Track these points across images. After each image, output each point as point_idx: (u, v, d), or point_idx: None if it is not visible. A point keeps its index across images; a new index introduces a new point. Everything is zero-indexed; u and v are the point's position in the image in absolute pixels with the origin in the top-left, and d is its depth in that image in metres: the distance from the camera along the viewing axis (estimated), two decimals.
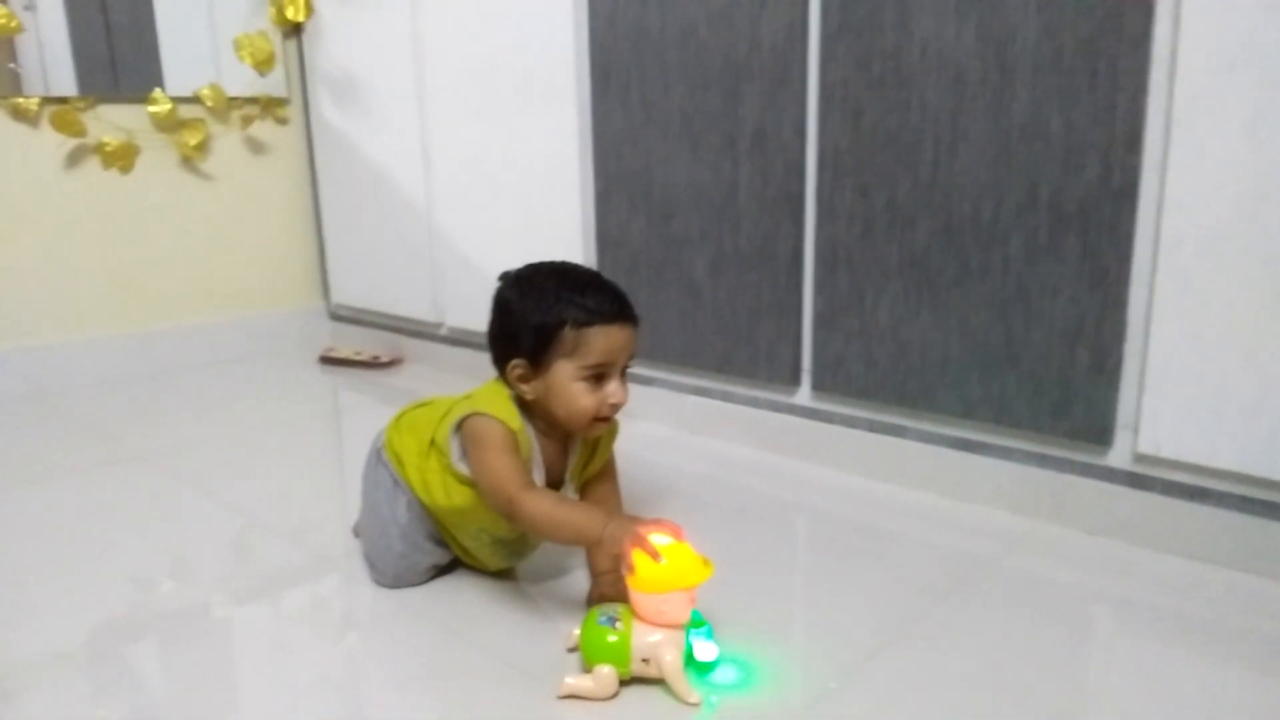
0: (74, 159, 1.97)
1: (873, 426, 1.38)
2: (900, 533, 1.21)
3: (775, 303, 1.44)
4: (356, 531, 1.16)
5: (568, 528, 0.91)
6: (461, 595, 1.03)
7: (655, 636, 0.82)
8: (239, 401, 1.94)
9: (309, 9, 2.16)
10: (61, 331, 2.00)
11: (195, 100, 2.10)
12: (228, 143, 2.19)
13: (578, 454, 1.04)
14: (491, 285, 1.02)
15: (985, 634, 0.95)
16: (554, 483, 1.02)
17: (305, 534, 1.23)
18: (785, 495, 1.35)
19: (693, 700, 0.82)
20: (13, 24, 1.82)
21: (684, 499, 1.33)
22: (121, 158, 2.02)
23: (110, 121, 2.00)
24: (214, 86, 2.11)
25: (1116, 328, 1.11)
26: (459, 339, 2.03)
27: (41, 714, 0.85)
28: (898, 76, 1.24)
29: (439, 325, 2.08)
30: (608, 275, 1.01)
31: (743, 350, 1.50)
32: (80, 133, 1.95)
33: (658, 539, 0.84)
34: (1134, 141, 1.06)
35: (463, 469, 0.96)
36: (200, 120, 2.11)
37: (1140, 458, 1.12)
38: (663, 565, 0.82)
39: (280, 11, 2.16)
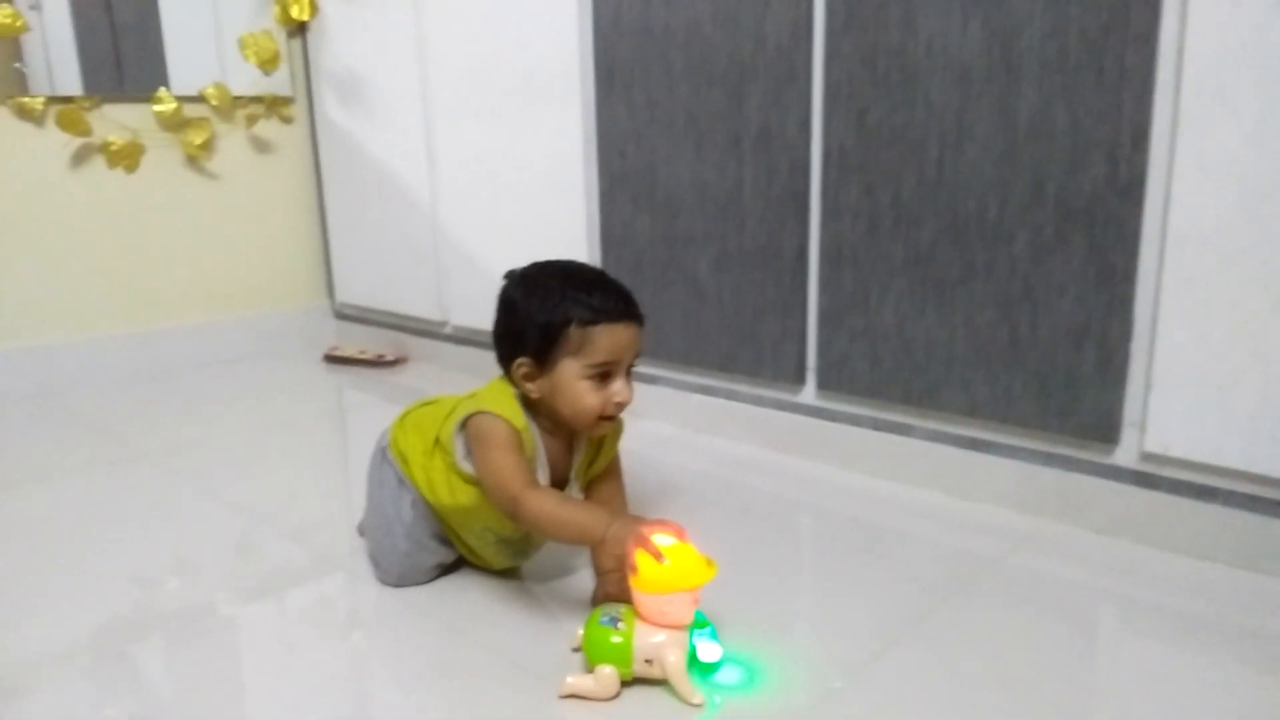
0: (79, 158, 1.98)
1: (878, 425, 1.37)
2: (905, 531, 1.20)
3: (780, 301, 1.43)
4: (361, 530, 1.16)
5: (571, 527, 0.91)
6: (466, 594, 1.03)
7: (658, 637, 0.82)
8: (244, 401, 1.94)
9: (313, 8, 2.16)
10: (66, 330, 2.00)
11: (200, 99, 2.10)
12: (232, 142, 2.19)
13: (582, 453, 1.04)
14: (496, 284, 1.02)
15: (991, 633, 0.95)
16: (559, 482, 1.02)
17: (310, 533, 1.23)
18: (790, 494, 1.35)
19: (696, 701, 0.81)
20: (18, 23, 1.82)
21: (688, 498, 1.32)
22: (127, 157, 2.02)
23: (115, 121, 2.00)
24: (219, 85, 2.12)
25: (1123, 326, 1.11)
26: (463, 338, 2.03)
27: (46, 713, 0.85)
28: (903, 74, 1.23)
29: (443, 324, 2.08)
30: (612, 274, 1.01)
31: (747, 349, 1.50)
32: (85, 132, 1.95)
33: (660, 539, 0.84)
34: (1140, 139, 1.06)
35: (467, 468, 0.96)
36: (205, 119, 2.12)
37: (1147, 456, 1.12)
38: (665, 566, 0.82)
39: (285, 10, 2.16)
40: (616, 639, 0.82)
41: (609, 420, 0.98)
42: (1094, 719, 0.83)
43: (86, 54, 1.96)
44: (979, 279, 1.21)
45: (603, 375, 0.95)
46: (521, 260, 1.03)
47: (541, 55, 1.69)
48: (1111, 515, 1.16)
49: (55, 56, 1.92)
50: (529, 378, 0.97)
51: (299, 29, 2.23)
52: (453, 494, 0.99)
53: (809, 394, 1.45)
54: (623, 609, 0.85)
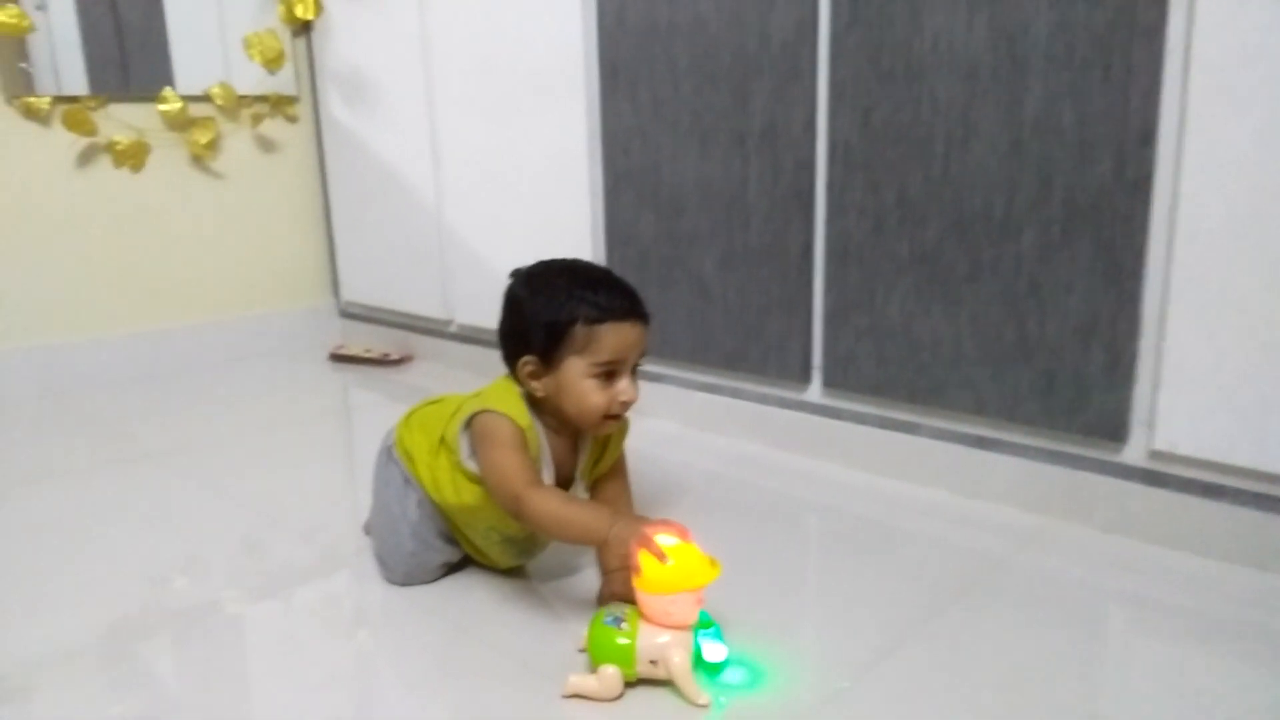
0: (85, 158, 1.98)
1: (884, 423, 1.37)
2: (912, 530, 1.20)
3: (785, 299, 1.43)
4: (367, 529, 1.16)
5: (574, 527, 0.90)
6: (472, 593, 1.03)
7: (663, 638, 0.82)
8: (249, 399, 1.94)
9: (318, 7, 2.16)
10: (72, 330, 2.01)
11: (205, 99, 2.11)
12: (238, 141, 2.19)
13: (588, 452, 1.04)
14: (500, 282, 1.02)
15: (999, 633, 0.94)
16: (564, 481, 1.02)
17: (316, 532, 1.23)
18: (795, 493, 1.35)
19: (702, 702, 0.81)
20: (24, 23, 1.83)
21: (693, 496, 1.32)
22: (132, 156, 2.03)
23: (121, 120, 2.00)
24: (224, 85, 2.12)
25: (1131, 323, 1.10)
26: (469, 336, 2.03)
27: (55, 710, 0.85)
28: (908, 71, 1.23)
29: (449, 322, 2.08)
30: (617, 272, 1.01)
31: (753, 347, 1.49)
32: (91, 132, 1.96)
33: (664, 539, 0.83)
34: (1148, 135, 1.05)
35: (472, 466, 0.96)
36: (210, 119, 2.12)
37: (1155, 454, 1.11)
38: (669, 566, 0.81)
39: (289, 10, 2.16)
40: (622, 640, 0.82)
41: (614, 419, 0.98)
42: (1102, 718, 0.83)
43: (92, 54, 1.96)
44: (985, 277, 1.21)
45: (608, 374, 0.95)
46: (526, 259, 1.03)
47: (545, 53, 1.69)
48: (1119, 514, 1.15)
49: (61, 56, 1.93)
50: (534, 376, 0.97)
51: (303, 28, 2.24)
52: (458, 493, 0.99)
53: (814, 392, 1.45)
54: (627, 609, 0.85)
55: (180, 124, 2.08)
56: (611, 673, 0.81)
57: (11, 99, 1.87)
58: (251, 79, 2.16)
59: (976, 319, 1.23)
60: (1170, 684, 0.86)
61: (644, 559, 0.82)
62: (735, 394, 1.56)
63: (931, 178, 1.23)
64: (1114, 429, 1.14)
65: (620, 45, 1.57)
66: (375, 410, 1.86)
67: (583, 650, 0.87)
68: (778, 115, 1.38)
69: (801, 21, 1.33)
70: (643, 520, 0.87)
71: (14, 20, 1.81)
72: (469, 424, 0.97)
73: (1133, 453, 1.14)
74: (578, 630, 0.90)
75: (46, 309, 1.97)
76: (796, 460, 1.45)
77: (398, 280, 2.17)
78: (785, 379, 1.47)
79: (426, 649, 0.94)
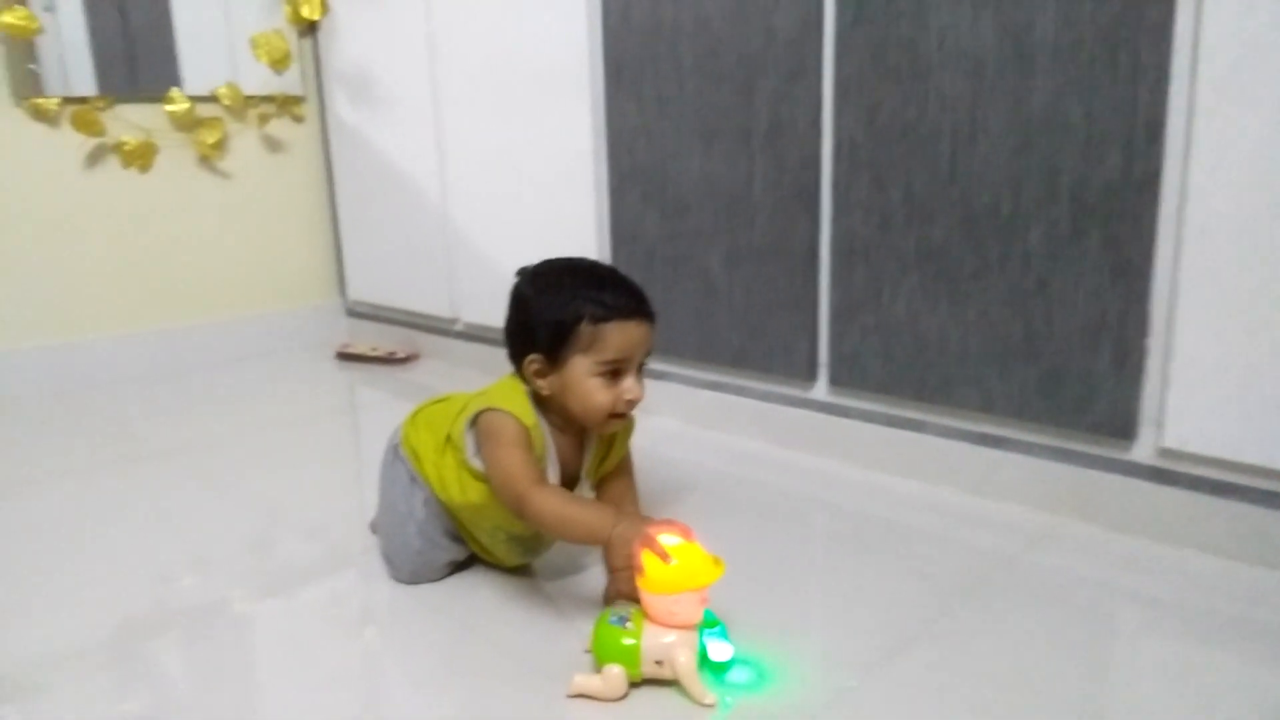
0: (93, 158, 1.99)
1: (891, 421, 1.37)
2: (920, 529, 1.19)
3: (791, 297, 1.43)
4: (374, 528, 1.16)
5: (576, 526, 0.90)
6: (478, 592, 1.03)
7: (668, 638, 0.82)
8: (256, 398, 1.95)
9: (324, 7, 2.17)
10: (80, 330, 2.02)
11: (212, 99, 2.11)
12: (245, 141, 2.20)
13: (593, 450, 1.04)
14: (506, 281, 1.02)
15: (1007, 632, 0.94)
16: (569, 479, 1.02)
17: (322, 530, 1.24)
18: (802, 491, 1.34)
19: (708, 701, 0.81)
20: (33, 25, 1.83)
21: (699, 495, 1.32)
22: (140, 157, 2.03)
23: (129, 121, 2.01)
24: (231, 85, 2.12)
25: (1139, 320, 1.10)
26: (474, 334, 2.03)
27: (64, 708, 0.85)
28: (914, 68, 1.23)
29: (454, 321, 2.09)
30: (623, 270, 1.01)
31: (758, 345, 1.49)
32: (100, 132, 1.96)
33: (667, 539, 0.83)
34: (1156, 131, 1.05)
35: (477, 465, 0.96)
36: (217, 119, 2.13)
37: (1165, 452, 1.11)
38: (672, 566, 0.81)
39: (295, 10, 2.17)
40: (627, 640, 0.82)
41: (619, 418, 0.98)
42: (1111, 717, 0.82)
43: (100, 55, 1.97)
44: (993, 274, 1.20)
45: (614, 372, 0.95)
46: (532, 257, 1.03)
47: (550, 52, 1.69)
48: (1128, 512, 1.14)
49: (69, 58, 1.94)
50: (540, 374, 0.97)
51: (310, 28, 2.24)
52: (463, 491, 0.99)
53: (820, 390, 1.44)
54: (632, 609, 0.85)
55: (187, 124, 2.09)
56: (616, 672, 0.81)
57: (20, 100, 1.88)
58: (258, 79, 2.17)
59: (984, 316, 1.22)
60: (1179, 683, 0.85)
61: (647, 559, 0.82)
62: (741, 392, 1.55)
63: (938, 175, 1.23)
64: (1122, 427, 1.13)
65: (625, 44, 1.57)
66: (381, 409, 1.86)
67: (588, 650, 0.87)
68: (783, 113, 1.38)
69: (806, 18, 1.33)
70: (646, 520, 0.87)
71: (23, 22, 1.82)
72: (474, 422, 0.97)
73: (1141, 451, 1.13)
74: (584, 629, 0.90)
75: (54, 308, 1.98)
76: (802, 458, 1.45)
77: (404, 279, 2.18)
78: (791, 377, 1.47)
79: (433, 648, 0.94)
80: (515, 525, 0.99)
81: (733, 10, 1.40)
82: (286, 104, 2.24)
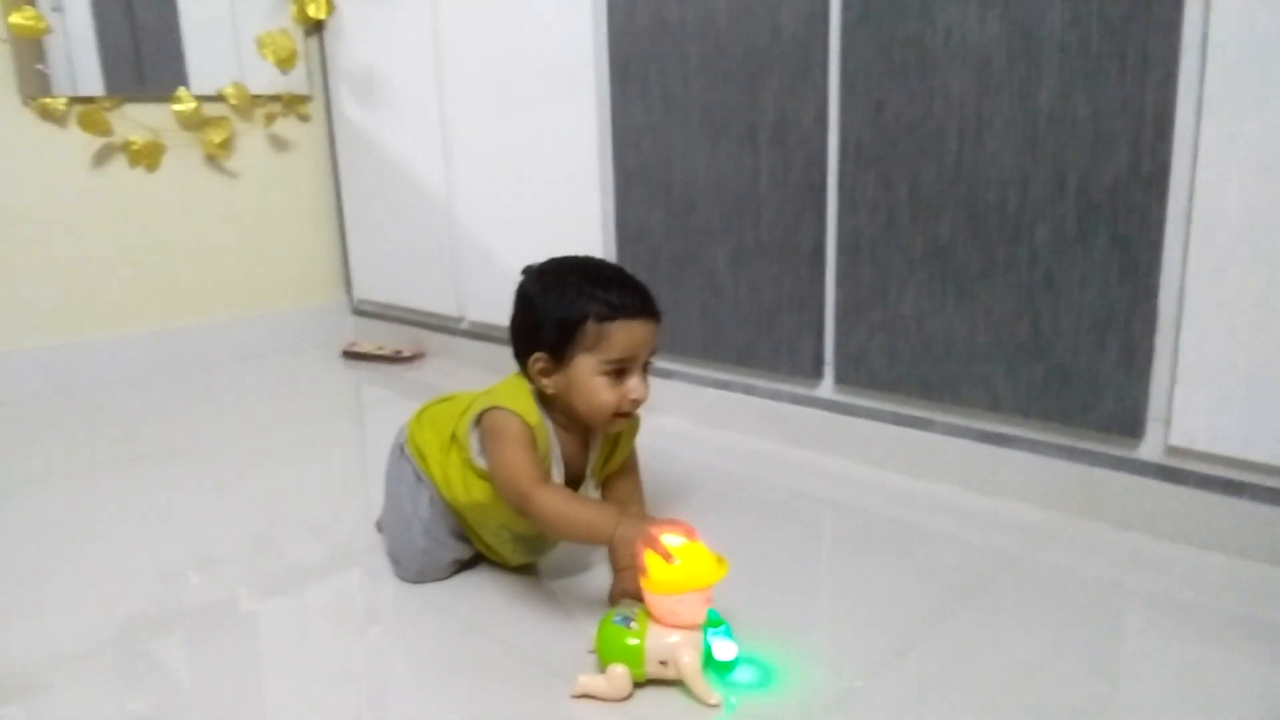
0: (101, 158, 2.00)
1: (897, 420, 1.36)
2: (926, 528, 1.19)
3: (797, 295, 1.43)
4: (379, 526, 1.17)
5: (579, 525, 0.90)
6: (483, 591, 1.03)
7: (673, 638, 0.81)
8: (262, 397, 1.95)
9: (330, 6, 2.17)
10: (88, 329, 2.03)
11: (219, 99, 2.12)
12: (251, 140, 2.20)
13: (598, 450, 1.04)
14: (512, 279, 1.02)
15: (1015, 631, 0.94)
16: (574, 479, 1.02)
17: (328, 529, 1.24)
18: (808, 490, 1.34)
19: (713, 701, 0.81)
20: (41, 25, 1.84)
21: (705, 493, 1.32)
22: (147, 156, 2.04)
23: (136, 120, 2.02)
24: (237, 85, 2.13)
25: (1147, 318, 1.09)
26: (480, 333, 2.03)
27: (69, 708, 0.86)
28: (921, 64, 1.22)
29: (460, 320, 2.09)
30: (628, 269, 1.01)
31: (764, 343, 1.49)
32: (107, 132, 1.97)
33: (670, 539, 0.83)
34: (1164, 128, 1.04)
35: (481, 463, 0.96)
36: (224, 118, 2.13)
37: (1172, 450, 1.10)
38: (675, 566, 0.81)
39: (302, 9, 2.17)
40: (631, 640, 0.81)
41: (624, 417, 0.98)
42: (1119, 717, 0.82)
43: (107, 55, 1.98)
44: (999, 272, 1.20)
45: (618, 371, 0.94)
46: (537, 256, 1.03)
47: (556, 50, 1.69)
48: (1136, 510, 1.14)
49: (77, 58, 1.94)
50: (545, 373, 0.97)
51: (316, 27, 2.24)
52: (468, 490, 0.99)
53: (827, 388, 1.44)
54: (636, 609, 0.84)
55: (194, 124, 2.09)
56: (620, 672, 0.81)
57: (28, 100, 1.88)
58: (265, 78, 2.17)
59: (990, 314, 1.22)
60: (1187, 682, 0.85)
61: (650, 559, 0.82)
62: (747, 390, 1.55)
63: (944, 172, 1.22)
64: (1130, 424, 1.13)
65: (630, 42, 1.56)
66: (387, 407, 1.87)
67: (593, 651, 0.87)
68: (789, 110, 1.38)
69: (812, 15, 1.32)
70: (648, 520, 0.86)
71: (31, 22, 1.83)
72: (479, 421, 0.97)
73: (1149, 448, 1.13)
74: (589, 629, 0.90)
75: (61, 308, 1.98)
76: (808, 457, 1.44)
77: (410, 277, 2.18)
78: (797, 375, 1.47)
79: (437, 647, 0.94)
80: (519, 524, 0.99)
81: (738, 8, 1.40)
82: (293, 103, 2.25)
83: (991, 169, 1.18)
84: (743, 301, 1.50)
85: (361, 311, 2.40)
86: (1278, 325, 0.99)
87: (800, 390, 1.48)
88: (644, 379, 0.97)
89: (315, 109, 2.30)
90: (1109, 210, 1.09)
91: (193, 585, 1.10)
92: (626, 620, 0.83)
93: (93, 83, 1.96)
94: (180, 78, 2.06)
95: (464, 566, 1.07)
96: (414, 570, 1.05)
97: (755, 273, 1.47)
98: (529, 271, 1.01)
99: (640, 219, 1.62)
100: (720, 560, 0.83)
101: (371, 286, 2.32)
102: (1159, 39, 1.03)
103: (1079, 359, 1.15)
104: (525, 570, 1.07)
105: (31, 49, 1.87)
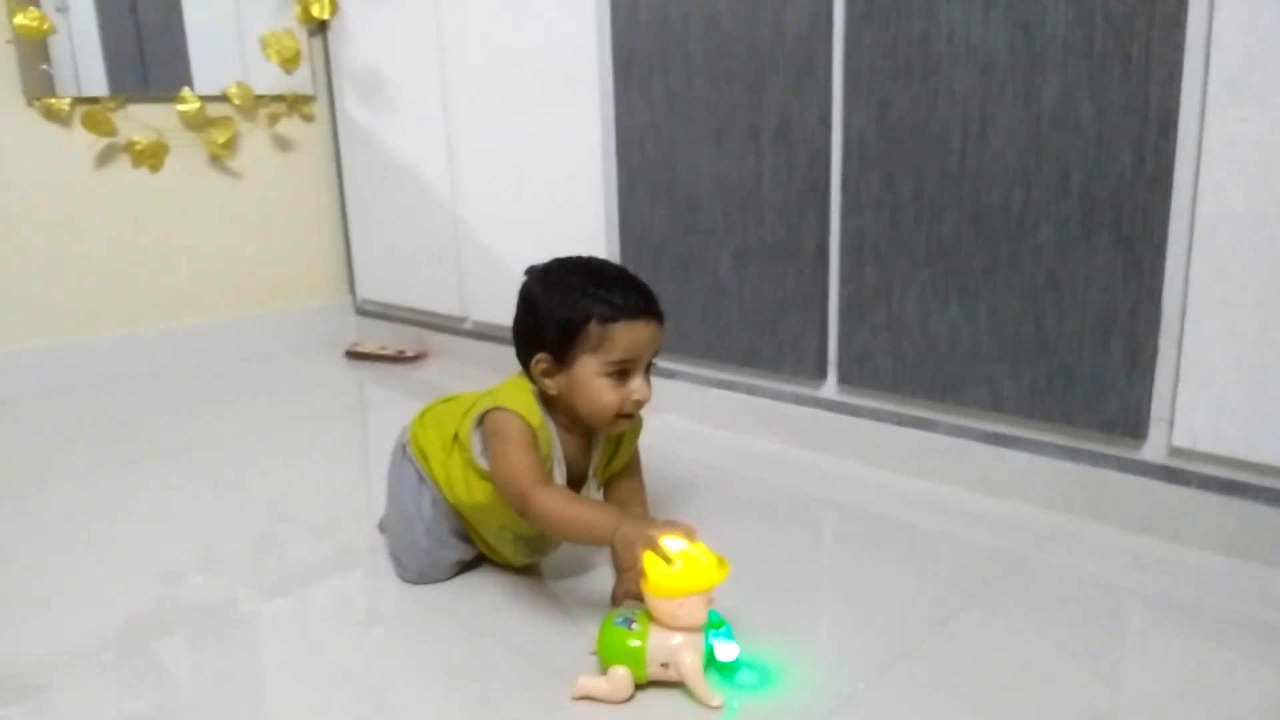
0: (105, 158, 2.00)
1: (901, 420, 1.36)
2: (930, 528, 1.19)
3: (801, 295, 1.42)
4: (382, 527, 1.17)
5: (579, 526, 0.90)
6: (486, 591, 1.03)
7: (674, 639, 0.81)
8: (265, 397, 1.95)
9: (334, 6, 2.17)
10: (90, 328, 2.03)
11: (223, 99, 2.12)
12: (255, 140, 2.21)
13: (601, 450, 1.03)
14: (516, 279, 1.02)
15: (1018, 632, 0.93)
16: (577, 480, 1.02)
17: (331, 529, 1.24)
18: (811, 490, 1.34)
19: (715, 704, 0.81)
20: (45, 26, 1.85)
21: (708, 494, 1.32)
22: (151, 156, 2.04)
23: (140, 120, 2.02)
24: (241, 85, 2.13)
25: (1151, 318, 1.09)
26: (483, 333, 2.03)
27: (70, 708, 0.86)
28: (925, 64, 1.22)
29: (463, 320, 2.09)
30: (632, 269, 1.00)
31: (768, 343, 1.48)
32: (111, 132, 1.97)
33: (670, 541, 0.82)
34: (1168, 127, 1.04)
35: (483, 464, 0.96)
36: (228, 118, 2.13)
37: (1176, 451, 1.10)
38: (675, 569, 0.81)
39: (306, 9, 2.17)
40: (633, 642, 0.81)
41: (627, 418, 0.97)
42: (1122, 718, 0.82)
43: (111, 55, 1.98)
44: (1003, 271, 1.20)
45: (621, 372, 0.94)
46: (540, 255, 1.03)
47: (560, 50, 1.69)
48: (1139, 511, 1.14)
49: (81, 58, 1.95)
50: (548, 374, 0.97)
51: (320, 27, 2.25)
52: (470, 490, 0.99)
53: (830, 388, 1.44)
54: (638, 610, 0.84)
55: (198, 124, 2.10)
56: (622, 674, 0.81)
57: (33, 100, 1.89)
58: (268, 79, 2.17)
59: (994, 314, 1.21)
60: (1190, 683, 0.85)
61: (650, 562, 0.81)
62: (750, 390, 1.55)
63: (948, 172, 1.22)
64: (1133, 425, 1.12)
65: (634, 41, 1.56)
66: (390, 407, 1.87)
67: (594, 653, 0.87)
68: (792, 110, 1.37)
69: (816, 15, 1.32)
70: (649, 522, 0.86)
71: (35, 23, 1.83)
72: (481, 421, 0.97)
73: (1152, 449, 1.12)
74: (591, 630, 0.90)
75: (65, 308, 1.99)
76: (812, 457, 1.44)
77: (413, 277, 2.18)
78: (800, 375, 1.46)
79: (439, 647, 0.94)
80: (521, 525, 0.99)
81: (742, 7, 1.40)
82: (296, 103, 2.25)
83: (995, 169, 1.18)
84: (746, 301, 1.50)
85: (365, 311, 2.41)
86: None
87: (804, 390, 1.48)
88: (647, 380, 0.96)
89: (319, 109, 2.30)
90: (1112, 210, 1.09)
91: (194, 585, 1.10)
92: (628, 622, 0.83)
93: (97, 83, 1.96)
94: (184, 78, 2.06)
95: (466, 567, 1.07)
96: (416, 571, 1.05)
97: (758, 272, 1.47)
98: (532, 272, 1.01)
99: (643, 219, 1.62)
100: (721, 562, 0.83)
101: (375, 286, 2.32)
102: (1163, 38, 1.02)
103: (1082, 359, 1.15)
104: (527, 571, 1.07)
105: (36, 50, 1.87)
